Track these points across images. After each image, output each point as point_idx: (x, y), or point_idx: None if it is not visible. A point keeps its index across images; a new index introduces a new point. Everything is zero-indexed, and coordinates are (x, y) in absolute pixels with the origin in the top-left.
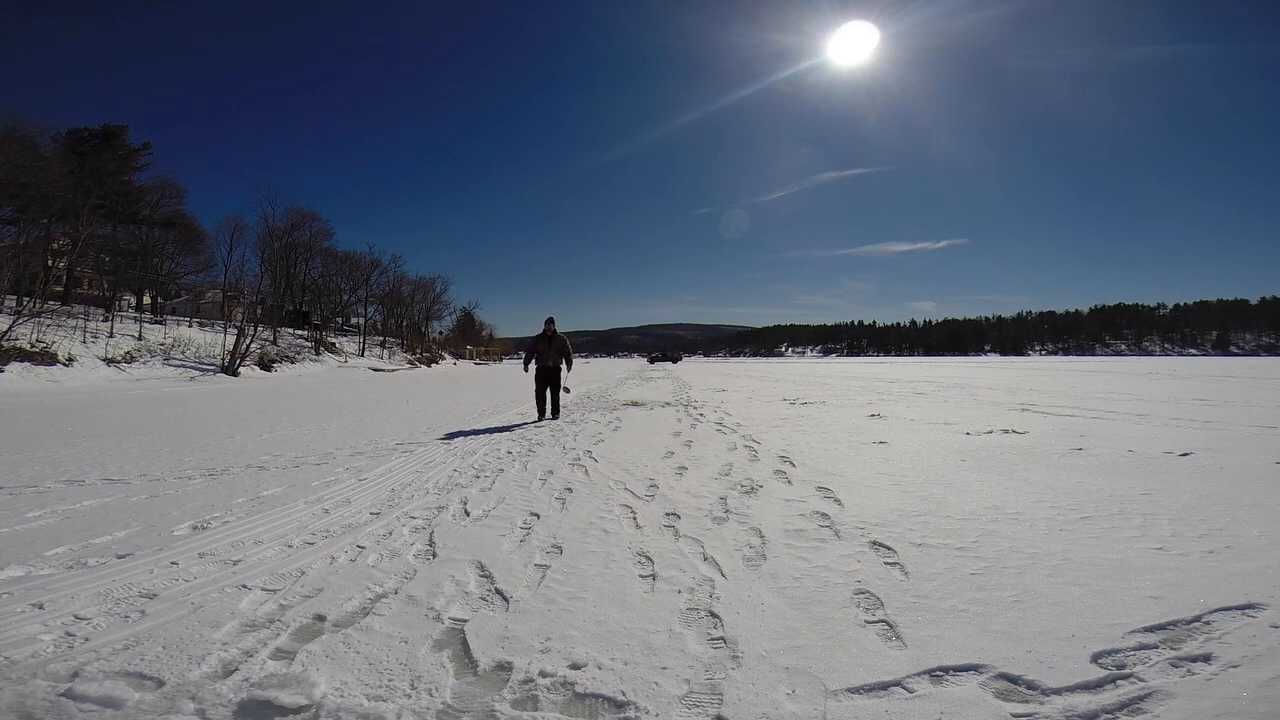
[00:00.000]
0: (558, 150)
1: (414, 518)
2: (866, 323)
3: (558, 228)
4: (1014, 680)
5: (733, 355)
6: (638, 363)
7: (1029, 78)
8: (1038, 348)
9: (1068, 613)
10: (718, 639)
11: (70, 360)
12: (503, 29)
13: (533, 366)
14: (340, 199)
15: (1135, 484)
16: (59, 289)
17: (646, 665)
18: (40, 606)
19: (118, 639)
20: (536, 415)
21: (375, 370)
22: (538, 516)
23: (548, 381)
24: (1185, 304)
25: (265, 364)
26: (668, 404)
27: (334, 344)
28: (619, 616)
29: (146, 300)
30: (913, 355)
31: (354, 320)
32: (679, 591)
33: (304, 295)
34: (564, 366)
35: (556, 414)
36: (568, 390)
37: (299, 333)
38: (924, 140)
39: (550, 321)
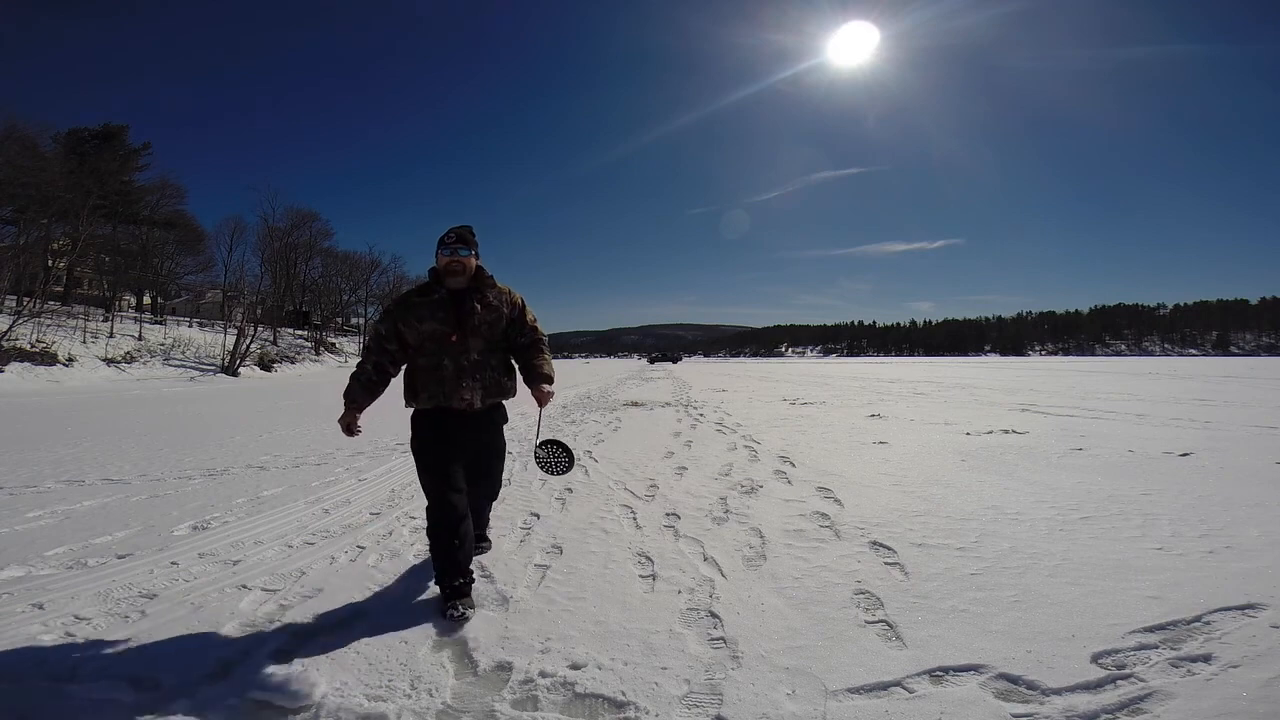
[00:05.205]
0: (558, 150)
1: (414, 518)
2: (866, 323)
3: (558, 227)
4: (1014, 680)
5: (733, 355)
6: (637, 363)
7: (1028, 78)
8: (1038, 348)
9: (1068, 613)
10: (718, 639)
11: (70, 360)
12: (503, 29)
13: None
14: (340, 199)
15: (1135, 484)
16: (59, 289)
17: (646, 665)
18: (40, 606)
19: (118, 639)
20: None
21: None
22: (538, 516)
23: (459, 456)
24: (1185, 304)
25: (265, 364)
26: (668, 404)
27: (334, 344)
28: (619, 617)
29: (146, 300)
30: (912, 355)
31: (354, 320)
32: (679, 592)
33: (304, 295)
34: (530, 395)
35: (459, 595)
36: (566, 467)
37: (299, 333)
38: (922, 140)
39: (463, 240)
